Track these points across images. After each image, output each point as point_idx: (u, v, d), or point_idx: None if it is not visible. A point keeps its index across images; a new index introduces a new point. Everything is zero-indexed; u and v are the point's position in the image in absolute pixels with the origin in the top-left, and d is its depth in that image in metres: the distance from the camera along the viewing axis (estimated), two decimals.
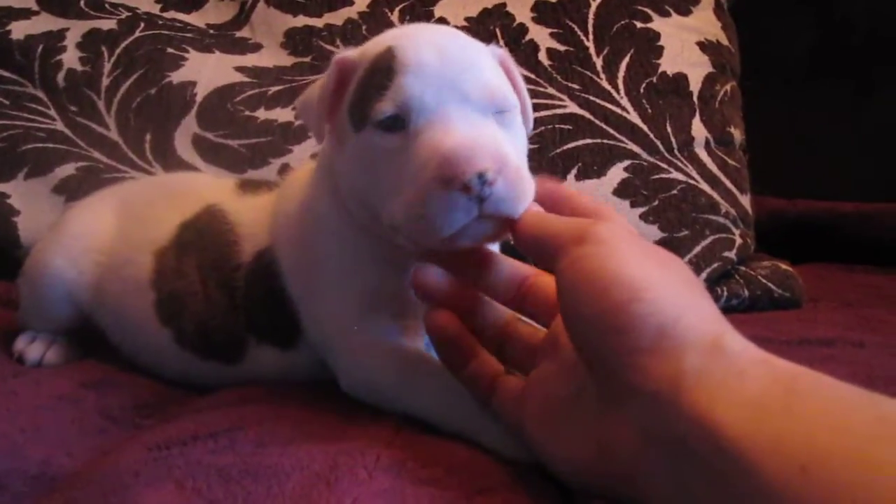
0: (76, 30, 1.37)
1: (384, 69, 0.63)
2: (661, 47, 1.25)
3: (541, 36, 1.26)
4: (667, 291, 0.46)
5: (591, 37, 1.25)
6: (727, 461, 0.38)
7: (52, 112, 1.31)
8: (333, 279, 0.73)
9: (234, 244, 0.80)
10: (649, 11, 1.28)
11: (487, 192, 0.57)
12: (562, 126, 1.17)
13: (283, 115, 1.25)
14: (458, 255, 0.62)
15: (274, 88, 1.28)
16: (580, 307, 0.49)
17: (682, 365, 0.43)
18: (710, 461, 0.39)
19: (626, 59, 1.23)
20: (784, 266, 1.19)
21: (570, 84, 1.21)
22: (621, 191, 1.14)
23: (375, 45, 0.67)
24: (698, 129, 1.21)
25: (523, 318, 0.65)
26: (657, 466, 0.43)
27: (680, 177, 1.16)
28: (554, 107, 1.19)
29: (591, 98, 1.20)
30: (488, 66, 0.66)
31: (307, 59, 1.32)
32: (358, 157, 0.65)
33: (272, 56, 1.34)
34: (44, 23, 1.38)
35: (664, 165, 1.17)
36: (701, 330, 0.45)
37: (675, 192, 1.15)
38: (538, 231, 0.56)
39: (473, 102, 0.62)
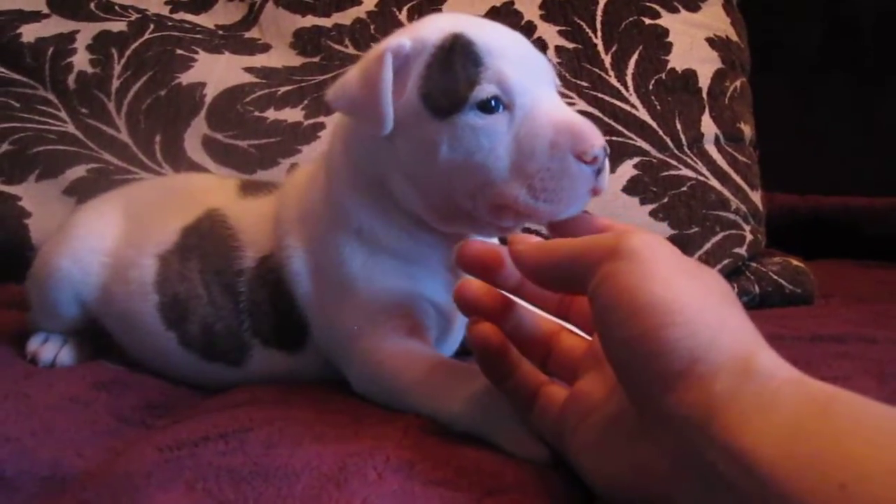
0: (86, 32, 1.37)
1: (465, 54, 0.66)
2: (670, 44, 1.25)
3: (549, 34, 1.26)
4: (700, 311, 0.45)
5: (599, 34, 1.25)
6: (760, 486, 0.38)
7: (63, 114, 1.31)
8: (352, 281, 0.73)
9: (235, 249, 0.80)
10: (658, 7, 1.28)
11: (604, 165, 0.64)
12: None
13: (292, 115, 1.25)
14: (501, 264, 0.61)
15: (283, 89, 1.28)
16: (613, 329, 0.48)
17: (713, 389, 0.42)
18: (742, 487, 0.39)
19: (635, 56, 1.23)
20: (795, 262, 1.19)
21: (578, 82, 1.21)
22: (631, 188, 1.14)
23: (430, 32, 0.68)
24: (708, 126, 1.21)
25: (569, 326, 0.64)
26: (692, 490, 0.43)
27: (689, 173, 1.16)
28: None
29: (600, 95, 1.20)
30: None
31: (316, 59, 1.32)
32: (447, 142, 0.66)
33: (281, 56, 1.34)
34: (54, 25, 1.39)
35: (674, 162, 1.16)
36: (734, 351, 0.44)
37: (684, 188, 1.15)
38: (568, 247, 0.54)
39: (551, 84, 0.69)
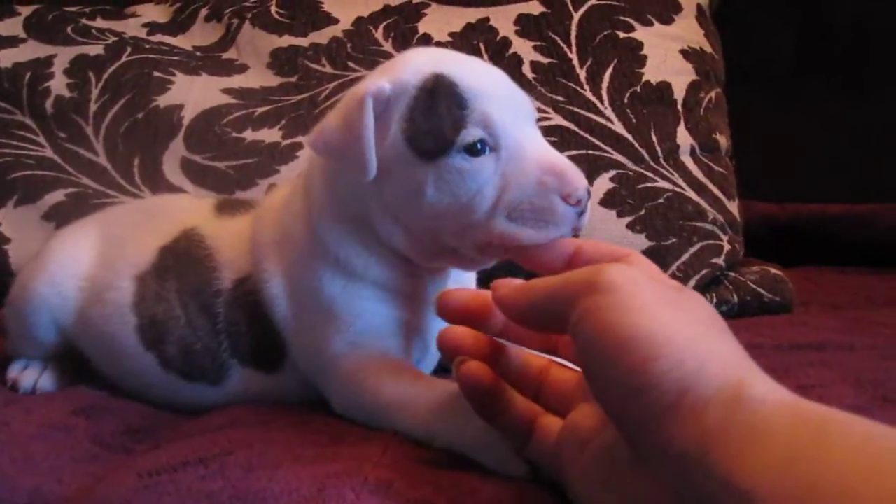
0: (63, 56, 1.38)
1: (449, 96, 0.66)
2: (644, 56, 1.26)
3: (524, 49, 1.27)
4: (686, 341, 0.44)
5: (574, 48, 1.26)
6: None
7: (41, 139, 1.31)
8: (330, 305, 0.74)
9: (212, 270, 0.81)
10: (631, 21, 1.29)
11: (587, 207, 0.65)
12: (547, 138, 1.15)
13: (269, 135, 1.25)
14: (485, 312, 0.61)
15: (261, 109, 1.29)
16: (597, 367, 0.47)
17: (705, 422, 0.41)
18: None
19: (610, 70, 1.24)
20: (774, 270, 1.20)
21: (554, 96, 1.22)
22: (607, 201, 1.15)
23: (410, 72, 0.68)
24: (683, 137, 1.21)
25: (558, 360, 0.63)
26: None
27: (666, 185, 1.17)
28: (538, 119, 1.18)
29: (576, 109, 1.21)
30: None
31: (293, 79, 1.32)
32: (433, 185, 0.66)
33: (258, 77, 1.35)
34: (31, 50, 1.39)
35: (650, 174, 1.17)
36: (723, 379, 0.42)
37: (661, 200, 1.15)
38: (545, 286, 0.53)
39: (533, 121, 0.70)
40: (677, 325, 0.45)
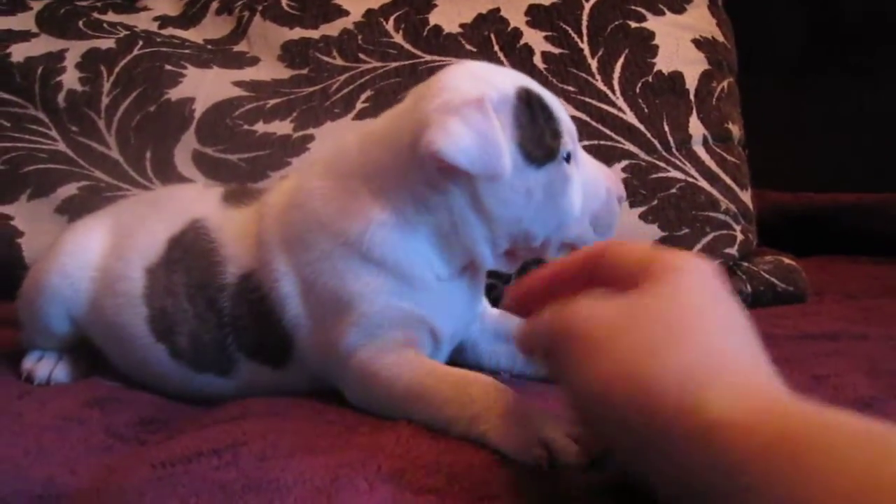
0: (75, 50, 1.38)
1: (541, 108, 0.73)
2: (656, 46, 1.25)
3: (535, 40, 1.27)
4: (649, 380, 0.45)
5: (585, 39, 1.25)
6: None
7: (54, 133, 1.32)
8: (351, 298, 0.73)
9: (217, 265, 0.80)
10: (643, 11, 1.28)
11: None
12: None
13: (281, 127, 1.25)
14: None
15: (272, 101, 1.29)
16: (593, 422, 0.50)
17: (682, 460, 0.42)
18: None
19: (621, 60, 1.23)
20: (787, 260, 1.19)
21: (565, 87, 1.22)
22: None
23: (501, 83, 0.73)
24: (696, 127, 1.21)
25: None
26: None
27: (678, 175, 1.17)
28: None
29: (588, 100, 1.20)
30: None
31: (304, 72, 1.32)
32: (543, 189, 0.73)
33: (269, 69, 1.35)
34: (43, 44, 1.40)
35: (662, 164, 1.17)
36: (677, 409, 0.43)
37: (674, 190, 1.15)
38: (531, 332, 0.57)
39: None
40: (636, 370, 0.46)
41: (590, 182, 0.77)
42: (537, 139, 0.72)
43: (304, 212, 0.77)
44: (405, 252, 0.73)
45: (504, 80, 0.74)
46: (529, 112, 0.72)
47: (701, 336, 0.47)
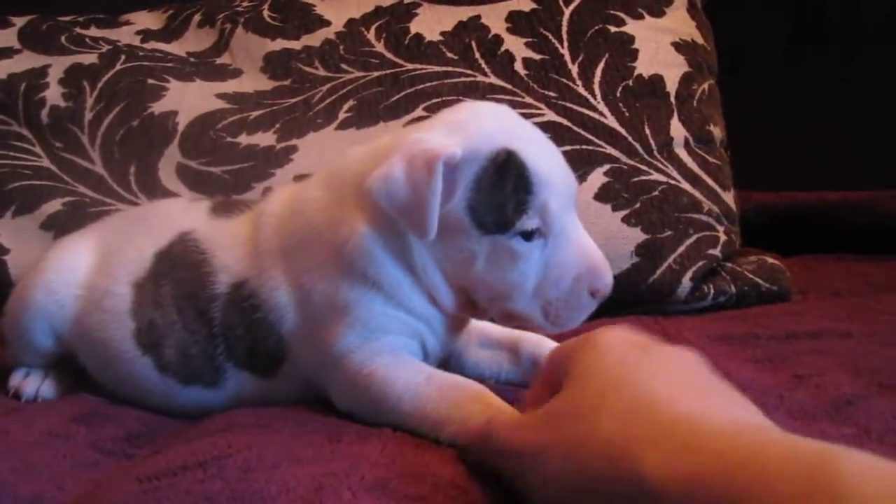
0: (58, 66, 1.38)
1: (517, 178, 0.70)
2: (636, 50, 1.26)
3: (516, 46, 1.27)
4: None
5: (565, 44, 1.26)
6: None
7: (38, 149, 1.32)
8: (347, 306, 0.74)
9: (208, 275, 0.81)
10: (622, 15, 1.29)
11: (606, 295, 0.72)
12: None
13: (264, 139, 1.26)
14: None
15: (255, 113, 1.29)
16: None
17: None
18: None
19: (602, 64, 1.24)
20: (771, 260, 1.20)
21: (546, 92, 1.22)
22: (602, 195, 1.15)
23: (481, 140, 0.71)
24: (677, 129, 1.21)
25: None
26: None
27: (660, 178, 1.17)
28: (532, 115, 1.19)
29: (569, 105, 1.21)
30: None
31: (287, 83, 1.33)
32: (485, 257, 0.71)
33: (252, 81, 1.35)
34: (26, 60, 1.40)
35: (644, 167, 1.17)
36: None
37: (656, 193, 1.16)
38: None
39: (575, 207, 0.74)
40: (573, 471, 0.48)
41: (555, 266, 0.72)
42: (494, 207, 0.70)
43: (303, 220, 0.77)
44: (385, 268, 0.74)
45: (492, 137, 0.71)
46: (498, 177, 0.70)
47: (608, 415, 0.48)
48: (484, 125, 0.73)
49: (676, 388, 0.48)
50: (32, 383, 0.90)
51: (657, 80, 1.24)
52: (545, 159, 0.72)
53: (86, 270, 0.88)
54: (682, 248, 1.13)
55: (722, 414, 0.45)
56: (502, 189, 0.69)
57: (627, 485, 0.44)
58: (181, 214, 0.88)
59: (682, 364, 0.52)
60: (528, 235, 0.70)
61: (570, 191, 0.73)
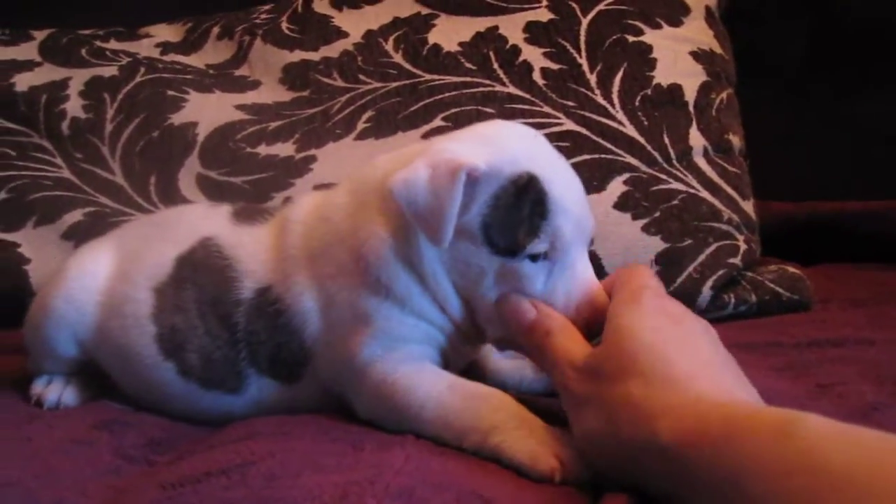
0: (78, 78, 1.40)
1: (534, 202, 0.70)
2: (655, 59, 1.26)
3: (534, 56, 1.28)
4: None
5: (583, 54, 1.26)
6: None
7: (59, 160, 1.33)
8: (369, 315, 0.74)
9: (232, 280, 0.81)
10: (640, 24, 1.29)
11: None
12: (559, 144, 1.18)
13: (283, 149, 1.27)
14: None
15: (274, 124, 1.30)
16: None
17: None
18: None
19: (620, 74, 1.24)
20: (792, 269, 1.19)
21: (565, 102, 1.22)
22: (622, 204, 1.15)
23: (506, 160, 0.71)
24: (696, 138, 1.21)
25: None
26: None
27: (680, 187, 1.17)
28: (550, 125, 1.20)
29: (587, 114, 1.21)
30: None
31: (305, 93, 1.34)
32: (493, 276, 0.72)
33: (271, 92, 1.36)
34: (47, 73, 1.41)
35: (663, 176, 1.17)
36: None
37: (675, 202, 1.15)
38: None
39: (587, 243, 0.75)
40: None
41: (554, 292, 0.72)
42: (507, 228, 0.70)
43: (328, 225, 0.78)
44: (396, 273, 0.74)
45: (517, 159, 0.71)
46: (515, 199, 0.70)
47: (637, 382, 0.56)
48: (512, 146, 0.73)
49: (698, 365, 0.57)
50: (54, 391, 0.90)
51: (676, 90, 1.24)
52: (566, 189, 0.72)
53: (106, 277, 0.88)
54: (702, 257, 1.12)
55: (729, 396, 0.55)
56: (518, 211, 0.70)
57: (643, 441, 0.53)
58: (202, 220, 0.88)
59: (706, 342, 0.61)
60: (534, 257, 0.70)
61: (585, 224, 0.73)
